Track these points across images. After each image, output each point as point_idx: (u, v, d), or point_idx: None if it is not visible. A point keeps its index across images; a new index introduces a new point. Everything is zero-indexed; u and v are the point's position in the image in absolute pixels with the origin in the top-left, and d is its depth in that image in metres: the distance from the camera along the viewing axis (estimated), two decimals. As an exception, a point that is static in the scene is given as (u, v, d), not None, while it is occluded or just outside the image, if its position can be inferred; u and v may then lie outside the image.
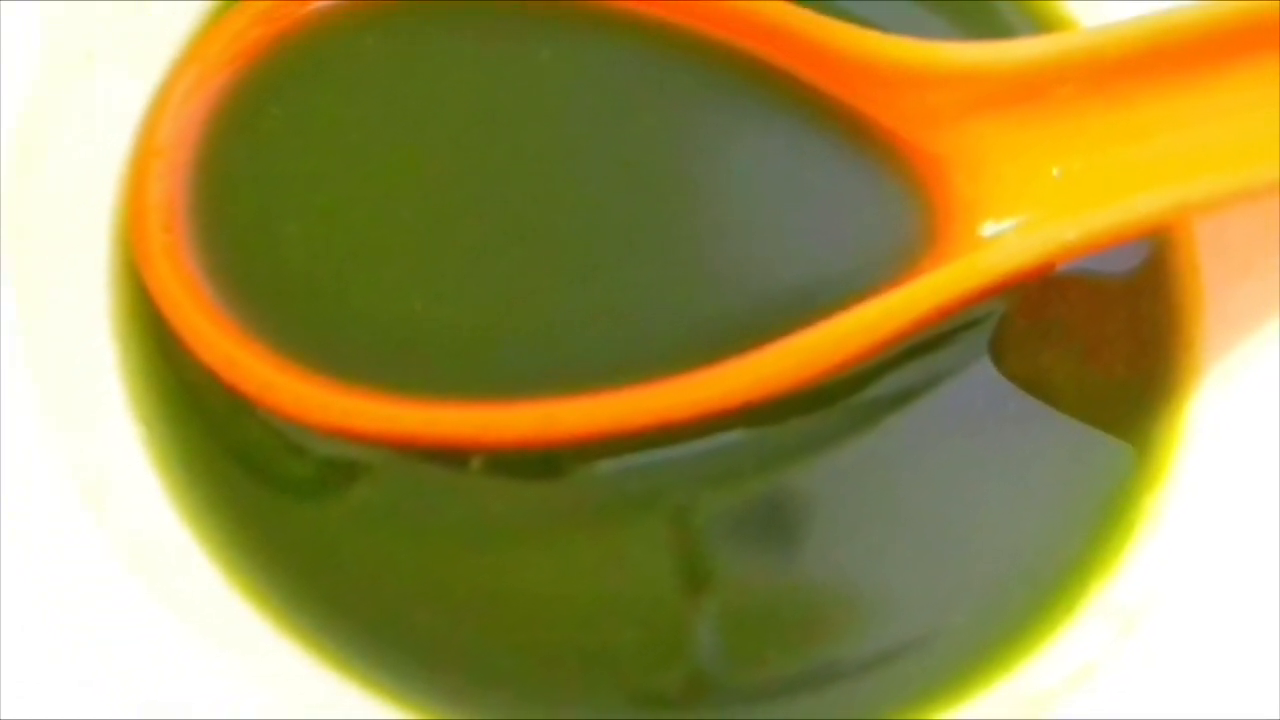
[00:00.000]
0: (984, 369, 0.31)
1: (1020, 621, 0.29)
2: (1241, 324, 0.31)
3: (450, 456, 0.29)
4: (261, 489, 0.30)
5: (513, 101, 0.31)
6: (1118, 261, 0.32)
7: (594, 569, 0.29)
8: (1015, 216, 0.30)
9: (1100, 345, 0.31)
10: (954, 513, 0.30)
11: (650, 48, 0.32)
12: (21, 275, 0.29)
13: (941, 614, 0.29)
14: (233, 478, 0.29)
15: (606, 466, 0.29)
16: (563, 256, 0.30)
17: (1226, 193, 0.29)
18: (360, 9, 0.32)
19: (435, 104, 0.31)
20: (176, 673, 0.27)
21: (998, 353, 0.31)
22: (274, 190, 0.31)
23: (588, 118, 0.31)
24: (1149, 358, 0.31)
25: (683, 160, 0.31)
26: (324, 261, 0.30)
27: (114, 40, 0.31)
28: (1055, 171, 0.30)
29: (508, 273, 0.30)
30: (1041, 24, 0.34)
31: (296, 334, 0.29)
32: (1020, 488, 0.30)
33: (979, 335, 0.31)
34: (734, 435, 0.30)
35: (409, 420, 0.29)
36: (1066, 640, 0.29)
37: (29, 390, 0.29)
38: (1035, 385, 0.31)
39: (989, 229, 0.30)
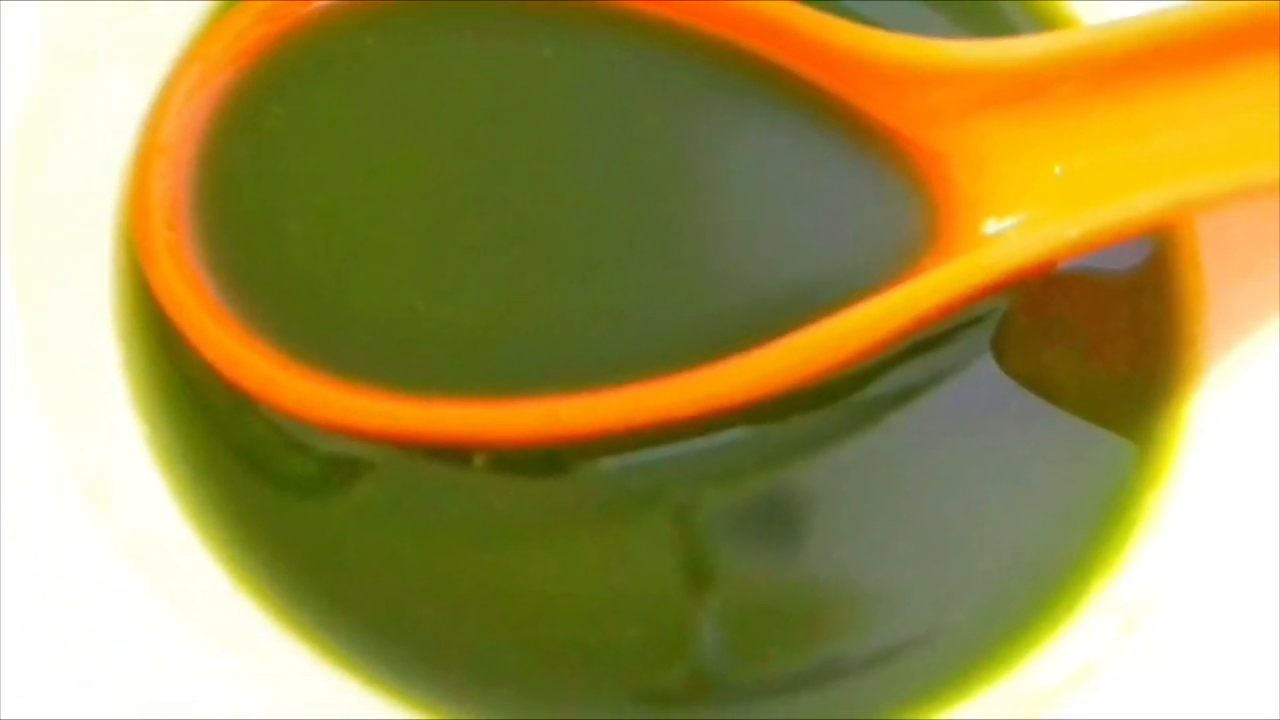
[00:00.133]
0: (986, 367, 0.31)
1: (1022, 619, 0.29)
2: (1243, 322, 0.31)
3: (453, 454, 0.29)
4: (264, 486, 0.30)
5: (515, 100, 0.31)
6: (1119, 259, 0.32)
7: (596, 566, 0.29)
8: (1017, 214, 0.30)
9: (1102, 343, 0.31)
10: (956, 510, 0.30)
11: (652, 46, 0.32)
12: (24, 273, 0.29)
13: (943, 612, 0.29)
14: (235, 475, 0.29)
15: (609, 464, 0.29)
16: (565, 254, 0.30)
17: (1228, 191, 0.29)
18: (362, 8, 0.32)
19: (437, 103, 0.31)
20: (178, 670, 0.27)
21: (1000, 350, 0.31)
22: (277, 188, 0.31)
23: (590, 116, 0.31)
24: (1151, 355, 0.31)
25: (685, 158, 0.31)
26: (326, 259, 0.30)
27: (116, 39, 0.31)
28: (1057, 169, 0.30)
29: (510, 271, 0.30)
30: (1043, 22, 0.34)
31: (299, 332, 0.29)
32: (1022, 485, 0.30)
33: (981, 333, 0.31)
34: (736, 433, 0.30)
35: (411, 418, 0.29)
36: (1068, 638, 0.29)
37: (31, 388, 0.29)
38: (1037, 383, 0.31)
39: (991, 227, 0.30)
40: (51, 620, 0.26)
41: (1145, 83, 0.29)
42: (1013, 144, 0.30)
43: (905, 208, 0.31)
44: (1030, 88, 0.30)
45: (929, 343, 0.30)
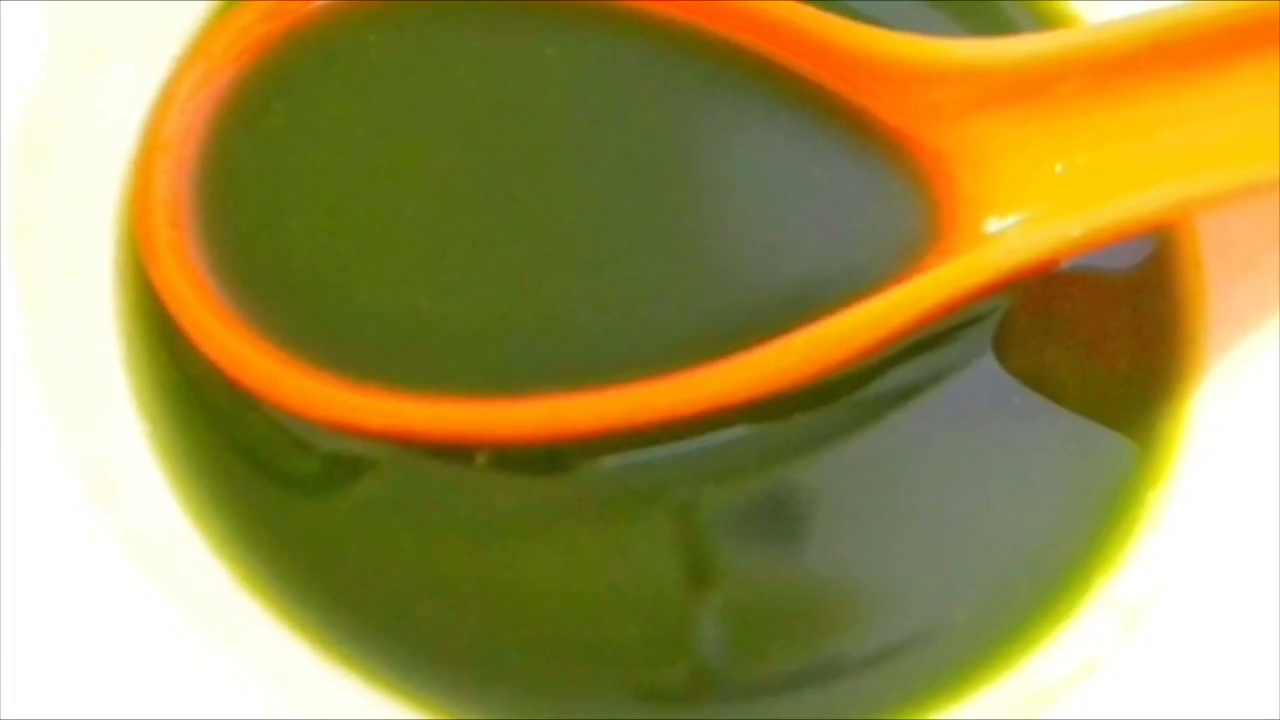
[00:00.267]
0: (987, 365, 0.31)
1: (1023, 617, 0.29)
2: (1244, 320, 0.31)
3: (455, 452, 0.29)
4: (266, 484, 0.30)
5: (518, 98, 0.31)
6: (1121, 258, 0.32)
7: (598, 564, 0.29)
8: (1019, 213, 0.30)
9: (1103, 341, 0.31)
10: (957, 508, 0.30)
11: (655, 45, 0.32)
12: (27, 271, 0.29)
13: (945, 609, 0.29)
14: (237, 473, 0.29)
15: (611, 462, 0.29)
16: (567, 253, 0.30)
17: (1229, 189, 0.29)
18: (365, 6, 0.32)
19: (440, 100, 0.31)
20: (180, 668, 0.27)
21: (1001, 348, 0.31)
22: (280, 186, 0.31)
23: (593, 114, 0.31)
24: (1152, 353, 0.31)
25: (688, 157, 0.31)
26: (329, 257, 0.30)
27: (119, 36, 0.31)
28: (1059, 168, 0.30)
29: (513, 269, 0.30)
30: (1045, 21, 0.34)
31: (302, 329, 0.29)
32: (1023, 483, 0.30)
33: (983, 331, 0.31)
34: (738, 431, 0.30)
35: (414, 416, 0.29)
36: (1070, 635, 0.29)
37: (34, 385, 0.29)
38: (1038, 381, 0.31)
39: (993, 225, 0.30)
40: (53, 618, 0.26)
41: (1146, 81, 0.29)
42: (1014, 142, 0.30)
43: (907, 206, 0.31)
44: (1032, 86, 0.30)
45: (930, 341, 0.30)
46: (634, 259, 0.30)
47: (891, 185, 0.31)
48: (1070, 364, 0.31)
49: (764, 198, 0.31)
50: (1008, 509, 0.30)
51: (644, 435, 0.29)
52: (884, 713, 0.28)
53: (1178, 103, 0.29)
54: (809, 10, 0.31)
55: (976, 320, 0.31)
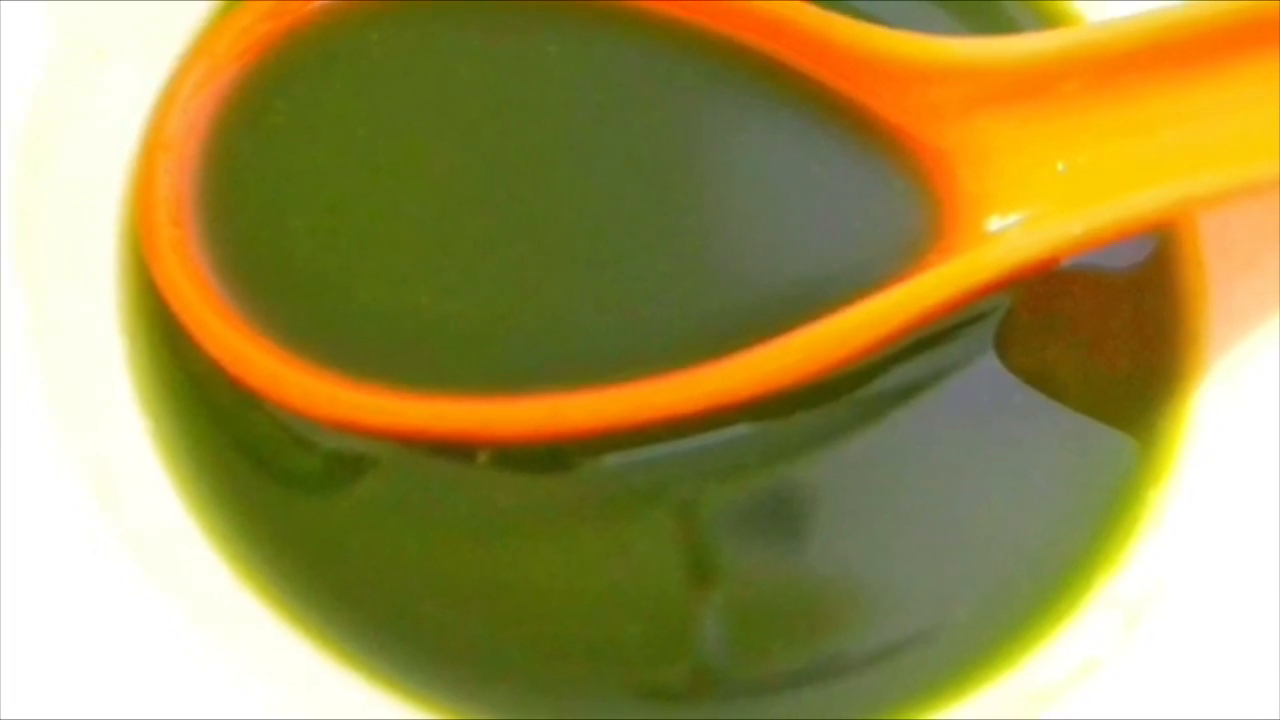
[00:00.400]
0: (989, 363, 0.31)
1: (1024, 615, 0.29)
2: (1245, 318, 0.31)
3: (457, 450, 0.29)
4: (268, 482, 0.30)
5: (520, 96, 0.31)
6: (1122, 256, 0.32)
7: (600, 563, 0.29)
8: (1020, 211, 0.30)
9: (1105, 339, 0.31)
10: (959, 506, 0.30)
11: (656, 43, 0.32)
12: (29, 269, 0.29)
13: (946, 608, 0.29)
14: (240, 471, 0.30)
15: (613, 460, 0.29)
16: (569, 251, 0.30)
17: (1230, 188, 0.29)
18: (367, 5, 0.32)
19: (442, 99, 0.31)
20: (182, 665, 0.27)
21: (1003, 347, 0.31)
22: (282, 185, 0.31)
23: (595, 113, 0.31)
24: (1153, 352, 0.31)
25: (689, 155, 0.31)
26: (331, 255, 0.30)
27: (122, 35, 0.32)
28: (1060, 166, 0.30)
29: (515, 267, 0.30)
30: (1046, 20, 0.34)
31: (304, 328, 0.29)
32: (1025, 482, 0.30)
33: (984, 329, 0.31)
34: (740, 429, 0.30)
35: (416, 414, 0.29)
36: (1071, 634, 0.29)
37: (36, 383, 0.29)
38: (1040, 379, 0.31)
39: (994, 224, 0.30)
40: (54, 615, 0.26)
41: (1147, 80, 0.29)
42: (1016, 141, 0.30)
43: (908, 204, 0.31)
44: (1033, 85, 0.30)
45: (932, 339, 0.30)
46: (636, 257, 0.30)
47: (893, 183, 0.31)
48: (1071, 362, 0.31)
49: (765, 196, 0.31)
50: (1009, 507, 0.30)
51: (645, 433, 0.29)
52: (885, 711, 0.28)
53: (1179, 101, 0.29)
54: (810, 9, 0.31)
55: (978, 318, 0.31)
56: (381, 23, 0.32)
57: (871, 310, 0.29)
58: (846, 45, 0.31)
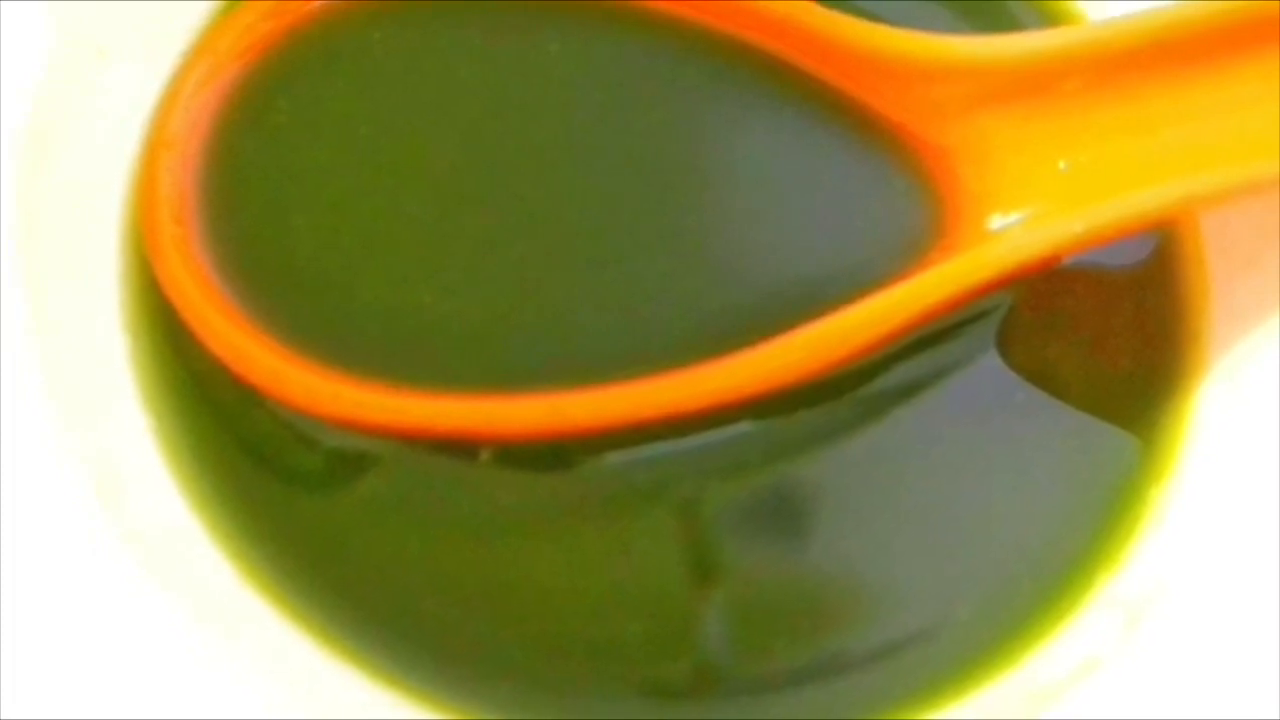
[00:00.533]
0: (991, 361, 0.31)
1: (1026, 614, 0.29)
2: (1247, 317, 0.31)
3: (459, 448, 0.29)
4: (271, 480, 0.30)
5: (522, 95, 0.31)
6: (1123, 255, 0.32)
7: (602, 560, 0.29)
8: (1022, 209, 0.30)
9: (1106, 338, 0.31)
10: (960, 505, 0.30)
11: (658, 42, 0.32)
12: (32, 267, 0.29)
13: (947, 606, 0.29)
14: (242, 469, 0.30)
15: (615, 458, 0.29)
16: (571, 249, 0.30)
17: (1232, 186, 0.29)
18: (369, 4, 0.32)
19: (444, 97, 0.31)
20: (183, 663, 0.27)
21: (1004, 345, 0.31)
22: (284, 183, 0.31)
23: (596, 112, 0.31)
24: (1155, 350, 0.31)
25: (691, 154, 0.31)
26: (334, 253, 0.30)
27: (125, 34, 0.31)
28: (1062, 165, 0.30)
29: (517, 265, 0.30)
30: (1048, 19, 0.34)
31: (306, 326, 0.29)
32: (1026, 480, 0.30)
33: (986, 328, 0.31)
34: (742, 427, 0.30)
35: (418, 412, 0.29)
36: (1072, 633, 0.29)
37: (39, 382, 0.29)
38: (1041, 378, 0.31)
39: (996, 222, 0.30)
40: (56, 614, 0.26)
41: (1149, 78, 0.29)
42: (1017, 139, 0.30)
43: (910, 203, 0.31)
44: (1035, 83, 0.30)
45: (934, 337, 0.30)
46: (638, 255, 0.30)
47: (895, 182, 0.31)
48: (1073, 361, 0.31)
49: (767, 194, 0.31)
50: (1010, 506, 0.30)
51: (647, 432, 0.29)
52: (886, 709, 0.28)
53: (1180, 100, 0.29)
54: (812, 7, 0.31)
55: (980, 317, 0.31)
56: (383, 22, 0.32)
57: (873, 308, 0.29)
58: (848, 43, 0.31)
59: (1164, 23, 0.29)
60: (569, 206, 0.31)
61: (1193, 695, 0.27)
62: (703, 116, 0.31)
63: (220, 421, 0.30)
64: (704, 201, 0.31)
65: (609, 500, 0.29)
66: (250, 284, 0.30)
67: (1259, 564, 0.28)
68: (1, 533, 0.26)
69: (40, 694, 0.25)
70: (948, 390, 0.30)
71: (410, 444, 0.29)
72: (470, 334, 0.30)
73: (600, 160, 0.31)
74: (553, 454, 0.29)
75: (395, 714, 0.28)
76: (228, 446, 0.30)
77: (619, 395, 0.29)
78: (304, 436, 0.30)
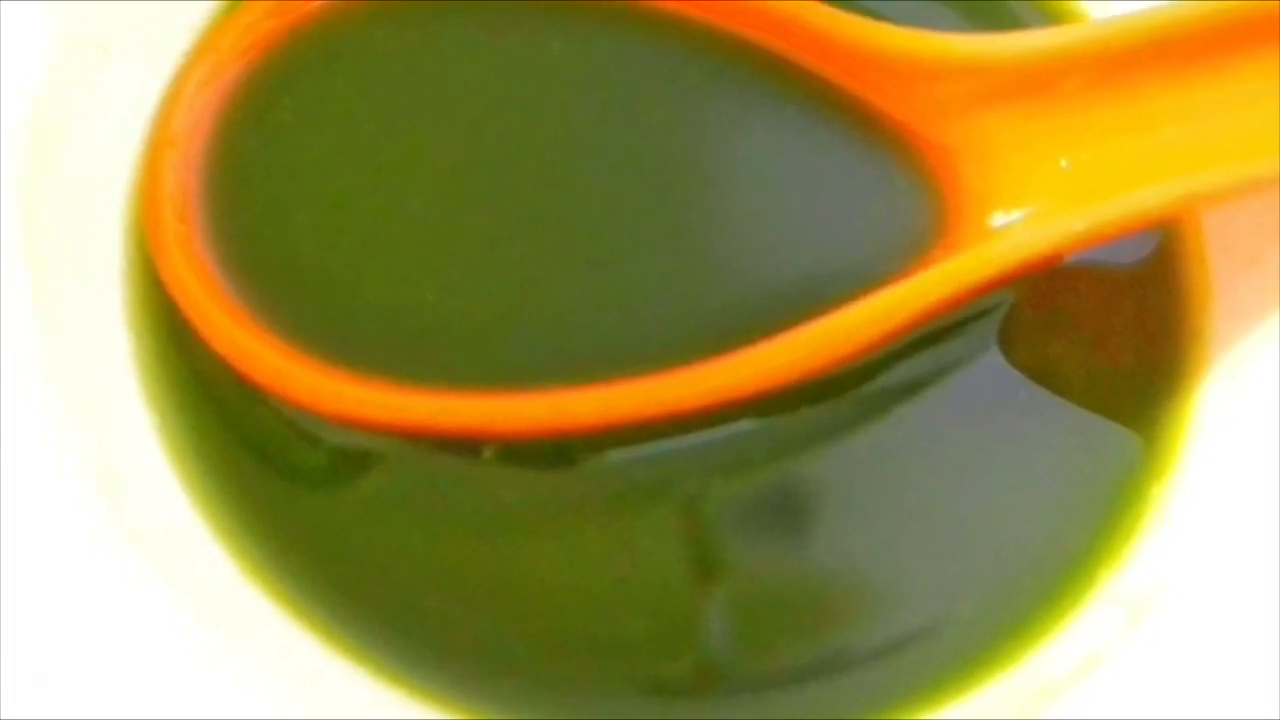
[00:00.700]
0: (993, 359, 0.31)
1: (1027, 611, 0.29)
2: (1248, 315, 0.31)
3: (462, 446, 0.29)
4: (274, 478, 0.30)
5: (524, 93, 0.31)
6: (1125, 253, 0.32)
7: (604, 558, 0.29)
8: (1024, 207, 0.30)
9: (1108, 336, 0.31)
10: (962, 502, 0.30)
11: (660, 40, 0.32)
12: (35, 265, 0.29)
13: (949, 603, 0.29)
14: (245, 467, 0.30)
15: (617, 456, 0.29)
16: (574, 247, 0.30)
17: (1234, 184, 0.29)
18: (371, 3, 0.32)
19: (447, 96, 0.31)
20: (187, 661, 0.27)
21: (1006, 343, 0.31)
22: (287, 181, 0.31)
23: (599, 110, 0.31)
24: (1156, 348, 0.31)
25: (693, 152, 0.31)
26: (336, 251, 0.30)
27: (128, 32, 0.31)
28: (1063, 163, 0.30)
29: (519, 263, 0.30)
30: (1050, 17, 0.34)
31: (309, 324, 0.29)
32: (1028, 478, 0.30)
33: (988, 325, 0.31)
34: (744, 425, 0.30)
35: (421, 410, 0.29)
36: (1074, 630, 0.29)
37: (42, 380, 0.29)
38: (1043, 375, 0.31)
39: (998, 220, 0.30)
40: (59, 611, 0.26)
41: (1151, 77, 0.29)
42: (1019, 137, 0.30)
43: (912, 201, 0.31)
44: (1036, 82, 0.30)
45: (936, 335, 0.30)
46: (641, 253, 0.30)
47: (897, 180, 0.31)
48: (1075, 359, 0.31)
49: (769, 192, 0.31)
50: (1012, 503, 0.30)
51: (650, 429, 0.29)
52: (889, 707, 0.28)
53: (1182, 98, 0.29)
54: (814, 6, 0.31)
55: (982, 315, 0.31)
56: (385, 20, 0.32)
57: (875, 306, 0.29)
58: (851, 42, 0.31)
59: (1165, 21, 0.29)
60: (572, 204, 0.31)
61: (1194, 693, 0.27)
62: (705, 115, 0.31)
63: (223, 419, 0.30)
64: (707, 199, 0.31)
65: (612, 498, 0.29)
66: (253, 282, 0.30)
67: (1261, 562, 0.28)
68: (4, 531, 0.26)
69: (42, 693, 0.25)
70: (950, 388, 0.30)
71: (413, 442, 0.29)
72: (473, 332, 0.30)
73: (603, 158, 0.31)
74: (555, 452, 0.29)
75: (398, 712, 0.28)
76: (231, 444, 0.30)
77: (622, 393, 0.29)
78: (307, 434, 0.30)
